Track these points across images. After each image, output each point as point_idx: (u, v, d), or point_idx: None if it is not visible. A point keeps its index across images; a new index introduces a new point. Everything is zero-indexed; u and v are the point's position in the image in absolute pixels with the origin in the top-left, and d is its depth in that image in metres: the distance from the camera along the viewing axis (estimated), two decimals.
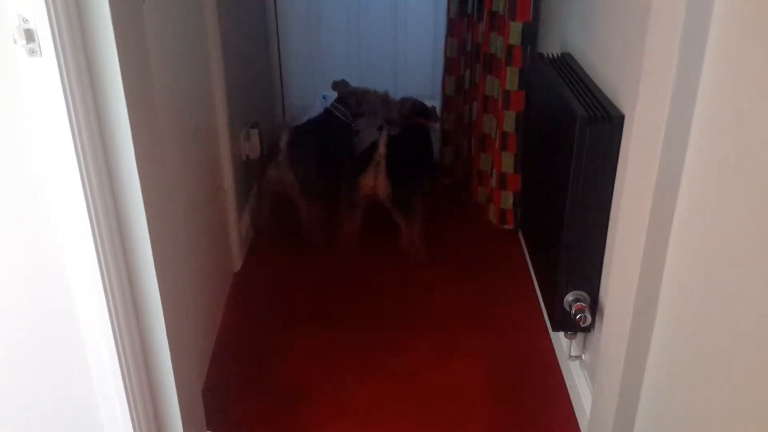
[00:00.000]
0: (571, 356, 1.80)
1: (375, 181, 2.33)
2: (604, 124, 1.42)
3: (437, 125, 2.85)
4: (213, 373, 1.92)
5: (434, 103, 3.03)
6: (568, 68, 1.79)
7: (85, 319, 1.21)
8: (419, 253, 2.44)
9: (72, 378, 1.29)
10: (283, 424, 1.75)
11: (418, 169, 2.53)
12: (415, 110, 2.73)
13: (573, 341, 1.77)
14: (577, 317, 1.56)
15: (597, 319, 1.59)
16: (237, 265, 2.41)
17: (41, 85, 1.01)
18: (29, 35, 0.98)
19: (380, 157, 2.31)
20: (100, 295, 1.17)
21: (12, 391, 1.30)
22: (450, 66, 2.80)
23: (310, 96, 3.35)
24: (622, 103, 1.44)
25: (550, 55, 1.95)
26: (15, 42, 0.99)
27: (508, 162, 2.45)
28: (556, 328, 1.70)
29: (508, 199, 2.53)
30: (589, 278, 1.57)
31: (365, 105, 2.76)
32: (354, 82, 3.12)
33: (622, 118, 1.40)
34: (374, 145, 2.34)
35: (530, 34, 2.31)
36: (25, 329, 1.24)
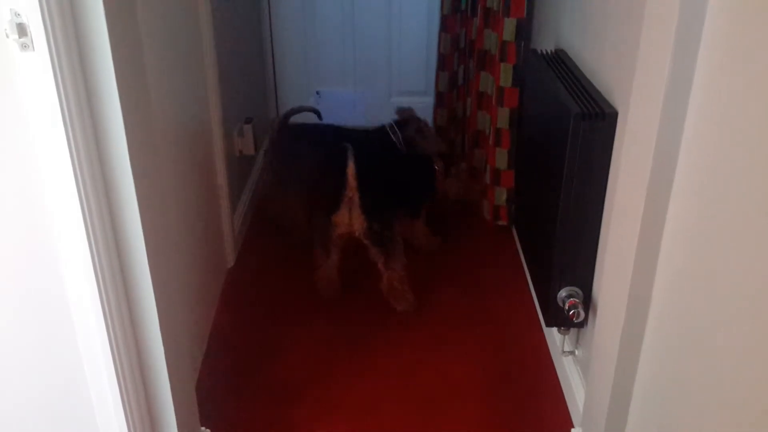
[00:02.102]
0: (564, 351, 1.80)
1: (350, 217, 2.06)
2: (598, 120, 1.42)
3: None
4: (207, 369, 1.92)
5: (428, 99, 3.03)
6: (562, 65, 1.79)
7: (78, 316, 1.21)
8: (403, 298, 2.16)
9: (65, 375, 1.28)
10: (276, 420, 1.75)
11: (396, 198, 2.25)
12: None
13: (566, 337, 1.78)
14: (571, 313, 1.56)
15: (590, 314, 1.59)
16: (230, 261, 2.41)
17: (34, 79, 1.01)
18: (21, 29, 0.97)
19: (352, 190, 2.01)
20: (94, 292, 1.17)
21: (3, 388, 1.30)
22: (443, 62, 2.80)
23: (303, 91, 3.35)
24: (616, 99, 1.44)
25: (544, 52, 1.96)
26: (7, 36, 0.98)
27: (501, 158, 2.45)
28: (549, 324, 1.70)
29: (501, 196, 2.54)
30: (583, 274, 1.57)
31: (421, 136, 2.45)
32: (348, 77, 3.12)
33: (615, 114, 1.41)
34: (338, 177, 2.03)
35: (524, 31, 2.31)
36: (18, 327, 1.24)
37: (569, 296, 1.58)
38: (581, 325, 1.63)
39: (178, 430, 1.39)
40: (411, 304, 2.17)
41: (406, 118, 2.45)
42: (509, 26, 2.28)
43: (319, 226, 2.13)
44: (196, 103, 2.00)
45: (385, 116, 3.25)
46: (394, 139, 2.34)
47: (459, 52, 2.79)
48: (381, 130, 2.41)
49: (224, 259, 2.36)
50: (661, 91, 1.10)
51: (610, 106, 1.44)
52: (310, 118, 2.64)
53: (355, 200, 2.02)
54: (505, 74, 2.34)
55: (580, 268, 1.57)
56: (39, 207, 1.13)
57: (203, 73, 2.08)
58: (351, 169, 1.98)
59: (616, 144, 1.41)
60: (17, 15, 0.97)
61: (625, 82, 1.34)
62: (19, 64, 1.01)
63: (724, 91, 0.98)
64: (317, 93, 3.35)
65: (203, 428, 1.59)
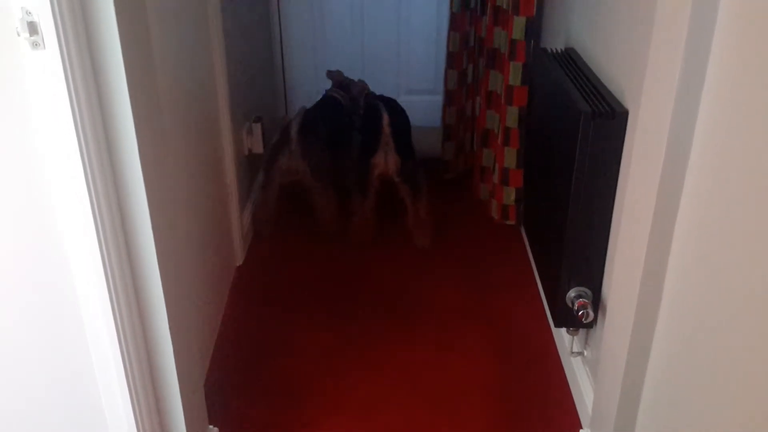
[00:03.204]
0: (573, 352, 1.80)
1: (386, 159, 2.42)
2: (608, 119, 1.41)
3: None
4: (215, 367, 1.92)
5: (437, 98, 3.03)
6: (571, 63, 1.78)
7: (88, 313, 1.21)
8: (426, 233, 2.50)
9: (75, 373, 1.29)
10: (284, 418, 1.75)
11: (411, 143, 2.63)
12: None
13: (575, 337, 1.77)
14: (580, 313, 1.56)
15: (599, 315, 1.59)
16: (239, 259, 2.41)
17: (44, 77, 1.01)
18: (32, 28, 0.98)
19: (387, 136, 2.40)
20: (103, 290, 1.17)
21: (13, 386, 1.30)
22: (453, 60, 2.79)
23: (312, 90, 3.34)
24: (627, 98, 1.43)
25: (554, 50, 1.95)
26: (18, 34, 0.98)
27: (510, 157, 2.44)
28: (558, 324, 1.70)
29: (510, 195, 2.53)
30: (592, 274, 1.57)
31: (354, 91, 2.94)
32: (357, 75, 3.11)
33: (626, 113, 1.40)
34: (373, 126, 2.44)
35: (534, 29, 2.30)
36: (27, 326, 1.24)
37: (578, 296, 1.57)
38: (590, 325, 1.62)
39: (187, 428, 1.40)
40: (430, 241, 2.52)
41: (340, 81, 2.92)
42: (519, 24, 2.27)
43: (359, 170, 2.48)
44: (205, 102, 2.00)
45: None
46: (340, 98, 2.86)
47: (468, 50, 2.78)
48: (327, 97, 2.89)
49: (233, 256, 2.37)
50: (672, 90, 1.10)
51: (621, 106, 1.44)
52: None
53: (390, 144, 2.40)
54: (515, 73, 2.33)
55: (590, 268, 1.56)
56: (48, 205, 1.13)
57: (212, 72, 2.09)
58: (386, 119, 2.37)
59: (627, 143, 1.40)
60: (28, 13, 0.97)
61: (635, 81, 1.33)
62: (29, 63, 1.01)
63: (736, 90, 0.97)
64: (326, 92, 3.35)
65: (211, 426, 1.60)
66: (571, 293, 1.58)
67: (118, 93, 1.07)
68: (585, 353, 1.76)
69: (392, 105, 2.69)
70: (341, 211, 2.59)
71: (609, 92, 1.52)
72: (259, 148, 2.65)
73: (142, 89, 1.14)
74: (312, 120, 2.57)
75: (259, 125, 2.62)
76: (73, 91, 1.02)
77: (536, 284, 2.26)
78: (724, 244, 1.01)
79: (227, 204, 2.27)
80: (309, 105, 2.74)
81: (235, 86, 2.31)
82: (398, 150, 2.42)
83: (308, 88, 3.34)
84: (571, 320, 1.62)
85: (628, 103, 1.41)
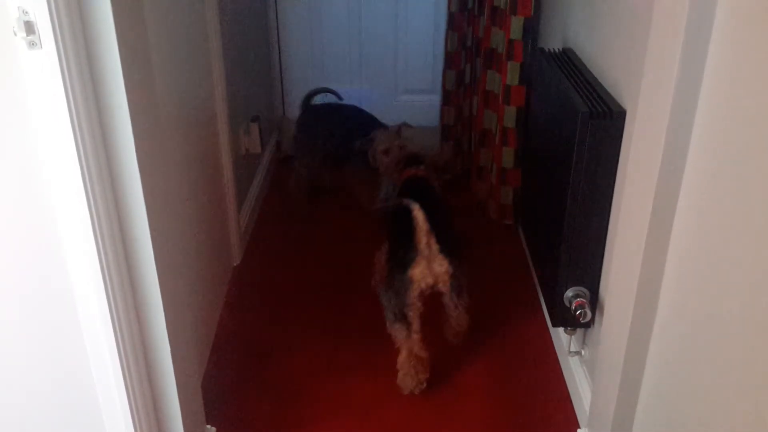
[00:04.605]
0: (570, 352, 1.80)
1: (430, 268, 1.73)
2: (606, 119, 1.41)
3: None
4: (213, 366, 1.92)
5: (435, 97, 3.02)
6: (569, 63, 1.78)
7: (85, 313, 1.21)
8: (462, 331, 1.96)
9: (72, 372, 1.29)
10: (281, 418, 1.75)
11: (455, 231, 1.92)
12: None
13: (573, 337, 1.77)
14: (577, 313, 1.56)
15: (597, 314, 1.59)
16: (237, 258, 2.41)
17: (41, 77, 1.01)
18: (29, 27, 0.98)
19: (425, 235, 1.69)
20: (100, 290, 1.17)
21: (10, 385, 1.30)
22: (451, 60, 2.80)
23: (309, 89, 3.34)
24: (624, 98, 1.43)
25: (552, 50, 1.95)
26: (15, 34, 0.98)
27: (508, 157, 2.45)
28: (555, 324, 1.70)
29: (508, 195, 2.53)
30: (590, 274, 1.57)
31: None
32: (354, 76, 3.12)
33: (623, 113, 1.40)
34: (401, 224, 1.75)
35: (531, 29, 2.30)
36: (24, 325, 1.24)
37: (576, 296, 1.57)
38: (588, 325, 1.62)
39: (184, 427, 1.39)
40: (463, 338, 1.98)
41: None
42: (516, 24, 2.27)
43: (390, 288, 1.75)
44: (202, 101, 2.00)
45: (393, 114, 3.26)
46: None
47: (466, 50, 2.78)
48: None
49: (230, 256, 2.37)
50: (670, 89, 1.10)
51: (619, 105, 1.44)
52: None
53: (433, 245, 1.70)
54: (512, 73, 2.34)
55: (588, 267, 1.56)
56: (45, 204, 1.13)
57: (210, 72, 2.08)
58: (420, 215, 1.67)
59: (624, 143, 1.40)
60: (25, 13, 0.97)
61: (633, 80, 1.33)
62: (26, 62, 1.01)
63: (734, 89, 0.97)
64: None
65: (209, 426, 1.60)
66: (569, 293, 1.58)
67: (115, 92, 1.07)
68: (582, 353, 1.76)
69: (420, 185, 2.04)
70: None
71: (607, 92, 1.52)
72: (256, 148, 2.65)
73: (140, 88, 1.13)
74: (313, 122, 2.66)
75: (256, 125, 2.61)
76: (70, 90, 1.02)
77: (534, 284, 2.26)
78: (721, 244, 1.01)
79: (224, 204, 2.26)
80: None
81: (233, 86, 2.31)
82: (443, 248, 1.72)
83: (305, 87, 3.34)
84: (568, 320, 1.62)
85: (626, 103, 1.41)
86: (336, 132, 2.68)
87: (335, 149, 2.67)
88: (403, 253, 1.72)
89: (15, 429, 1.36)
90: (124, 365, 1.25)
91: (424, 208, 1.67)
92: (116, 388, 1.27)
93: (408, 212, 1.67)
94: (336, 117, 2.76)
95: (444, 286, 1.77)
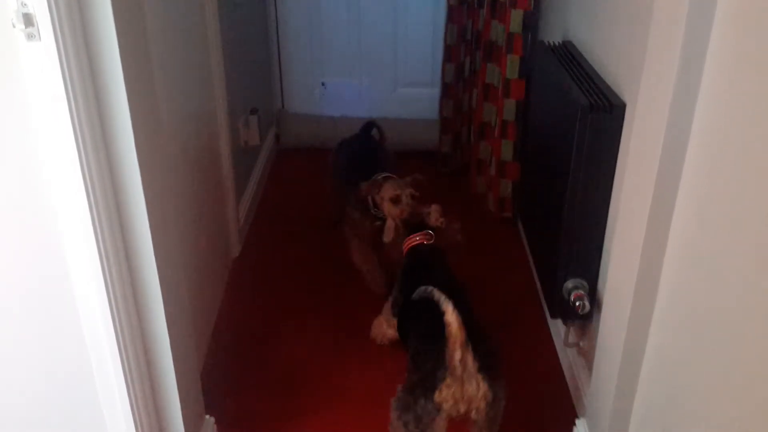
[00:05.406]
0: (568, 343, 1.80)
1: (464, 390, 1.32)
2: (606, 112, 1.41)
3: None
4: (212, 357, 1.93)
5: (434, 90, 3.02)
6: (569, 56, 1.78)
7: (84, 305, 1.21)
8: None
9: (71, 364, 1.29)
10: (281, 408, 1.76)
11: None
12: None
13: (571, 328, 1.77)
14: (576, 305, 1.56)
15: (595, 306, 1.59)
16: (236, 250, 2.41)
17: (40, 69, 1.01)
18: (28, 19, 0.97)
19: (461, 346, 1.28)
20: (100, 282, 1.17)
21: (9, 377, 1.31)
22: (450, 53, 2.79)
23: (309, 82, 3.34)
24: (624, 91, 1.43)
25: (552, 43, 1.94)
26: (14, 26, 0.98)
27: (507, 150, 2.45)
28: (554, 316, 1.70)
29: (506, 188, 2.53)
30: (589, 266, 1.57)
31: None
32: (353, 68, 3.11)
33: (623, 106, 1.40)
34: (424, 326, 1.43)
35: (531, 22, 2.30)
36: (23, 318, 1.24)
37: (575, 288, 1.58)
38: (587, 317, 1.62)
39: (183, 418, 1.40)
40: None
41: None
42: (516, 17, 2.27)
43: (411, 418, 1.37)
44: (201, 94, 2.00)
45: (391, 108, 3.26)
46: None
47: (465, 43, 2.77)
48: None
49: (230, 248, 2.37)
50: (670, 83, 1.10)
51: (618, 99, 1.44)
52: None
53: (469, 361, 1.30)
54: (512, 66, 2.33)
55: (586, 260, 1.57)
56: (44, 197, 1.13)
57: (209, 64, 2.08)
58: (454, 317, 1.26)
59: (624, 136, 1.40)
60: (24, 5, 0.97)
61: (633, 73, 1.33)
62: (25, 54, 1.00)
63: (734, 83, 0.97)
64: (322, 84, 3.34)
65: (208, 416, 1.60)
66: (568, 284, 1.59)
67: (114, 85, 1.07)
68: (581, 344, 1.76)
69: (432, 260, 1.74)
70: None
71: (606, 85, 1.52)
72: (255, 140, 2.64)
73: (139, 81, 1.13)
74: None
75: (255, 117, 2.61)
76: (69, 82, 1.02)
77: (533, 276, 2.27)
78: (721, 238, 1.01)
79: (223, 196, 2.26)
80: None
81: (232, 78, 2.31)
82: (482, 364, 1.32)
83: (304, 80, 3.34)
84: (567, 312, 1.62)
85: (626, 96, 1.41)
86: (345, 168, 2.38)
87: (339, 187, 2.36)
88: (429, 367, 1.35)
89: (17, 425, 1.36)
90: (123, 356, 1.25)
91: (445, 293, 1.29)
92: (115, 378, 1.27)
93: (431, 302, 1.30)
94: (349, 152, 2.45)
95: (478, 414, 1.35)
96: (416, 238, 1.82)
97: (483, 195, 2.73)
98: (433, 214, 1.82)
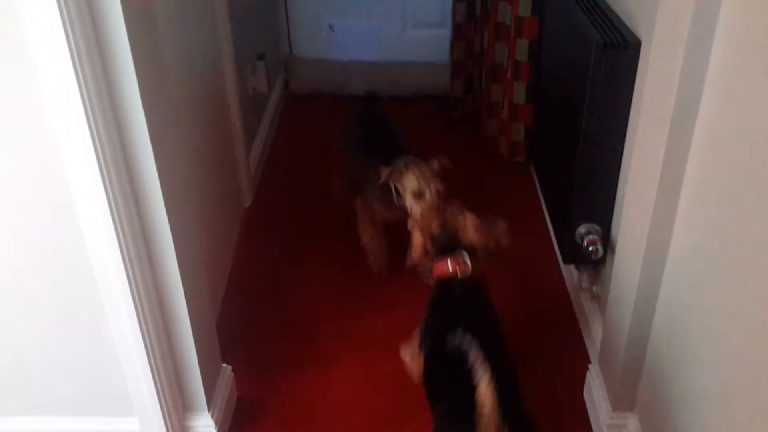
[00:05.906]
0: (582, 288, 1.80)
1: None
2: (621, 50, 1.37)
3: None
4: (227, 305, 1.95)
5: (445, 32, 2.94)
6: None
7: (97, 257, 1.22)
8: None
9: (86, 315, 1.31)
10: (295, 355, 1.78)
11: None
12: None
13: (584, 274, 1.77)
14: (589, 250, 1.55)
15: (609, 251, 1.58)
16: (247, 200, 2.41)
17: (42, 22, 0.99)
18: None
19: (495, 425, 1.04)
20: (112, 234, 1.17)
21: (26, 330, 1.33)
22: None
23: (316, 26, 3.27)
24: (639, 29, 1.38)
25: None
26: None
27: (519, 92, 2.40)
28: (567, 261, 1.70)
29: (519, 131, 2.49)
30: (602, 210, 1.55)
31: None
32: (362, 10, 3.01)
33: (638, 44, 1.36)
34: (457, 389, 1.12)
35: None
36: (37, 270, 1.25)
37: (588, 233, 1.56)
38: (600, 262, 1.62)
39: (200, 366, 1.42)
40: None
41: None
42: None
43: None
44: (207, 41, 1.96)
45: (402, 50, 3.18)
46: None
47: None
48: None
49: (241, 198, 2.37)
50: (686, 19, 1.05)
51: (634, 36, 1.39)
52: None
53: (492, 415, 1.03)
54: (524, 3, 2.26)
55: (600, 204, 1.55)
56: (53, 151, 1.12)
57: (213, 9, 2.03)
58: (488, 385, 1.03)
59: (639, 75, 1.36)
60: None
61: (649, 10, 1.28)
62: (27, 8, 0.99)
63: (750, 17, 0.93)
64: (330, 27, 3.27)
65: (224, 364, 1.63)
66: (581, 229, 1.57)
67: (117, 33, 1.05)
68: (594, 289, 1.76)
69: (470, 299, 1.42)
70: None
71: (622, 22, 1.47)
72: (263, 87, 2.60)
73: (142, 29, 1.11)
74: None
75: (262, 63, 2.57)
76: (71, 34, 1.00)
77: (546, 221, 2.25)
78: (738, 178, 0.99)
79: (233, 145, 2.25)
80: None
81: (238, 24, 2.25)
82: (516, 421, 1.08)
83: (311, 22, 3.26)
84: (580, 257, 1.61)
85: (641, 34, 1.36)
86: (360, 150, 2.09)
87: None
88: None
89: (35, 377, 1.39)
90: (138, 307, 1.27)
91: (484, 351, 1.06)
92: (131, 329, 1.29)
93: (462, 357, 1.07)
94: (360, 135, 2.15)
95: None
96: (447, 266, 1.42)
97: (495, 139, 2.69)
98: (470, 227, 1.45)
